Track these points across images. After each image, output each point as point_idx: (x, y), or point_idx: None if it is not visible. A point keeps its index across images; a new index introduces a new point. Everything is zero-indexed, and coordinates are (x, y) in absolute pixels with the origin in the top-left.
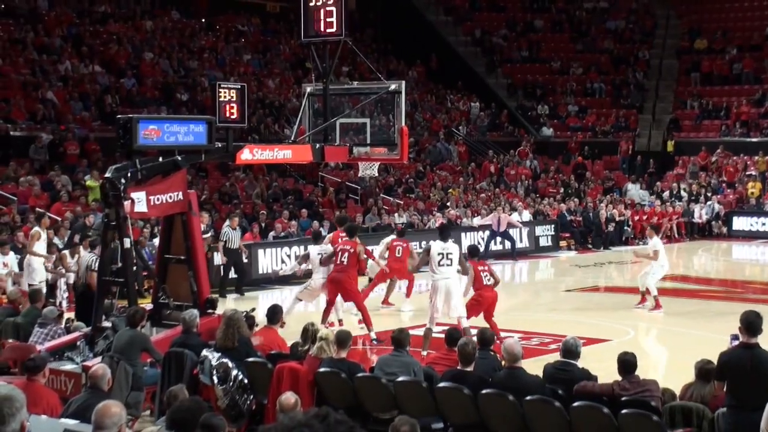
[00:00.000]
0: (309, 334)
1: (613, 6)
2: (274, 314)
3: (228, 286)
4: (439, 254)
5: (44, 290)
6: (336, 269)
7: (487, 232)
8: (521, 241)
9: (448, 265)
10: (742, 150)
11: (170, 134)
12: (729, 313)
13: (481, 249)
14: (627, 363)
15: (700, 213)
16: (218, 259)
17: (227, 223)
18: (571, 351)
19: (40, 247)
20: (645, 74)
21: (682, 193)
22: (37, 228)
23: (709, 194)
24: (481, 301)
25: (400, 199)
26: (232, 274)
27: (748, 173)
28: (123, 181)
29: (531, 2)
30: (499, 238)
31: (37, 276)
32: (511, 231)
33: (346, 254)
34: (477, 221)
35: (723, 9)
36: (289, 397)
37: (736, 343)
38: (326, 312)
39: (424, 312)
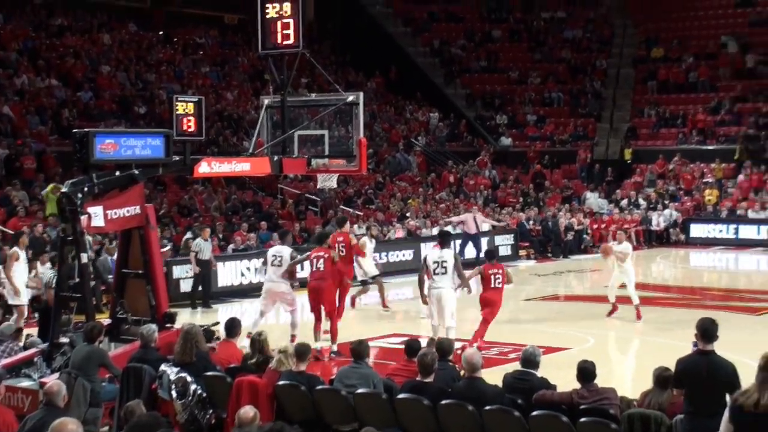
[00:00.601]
0: (257, 345)
1: (571, 16)
2: (232, 327)
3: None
4: (434, 262)
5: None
6: (314, 277)
7: (460, 240)
8: (481, 251)
9: (442, 273)
10: (699, 158)
11: (127, 148)
12: (687, 321)
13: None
14: (586, 371)
15: (658, 221)
16: (190, 270)
17: (188, 234)
18: (530, 360)
19: (20, 267)
20: (602, 83)
21: (640, 201)
22: (15, 248)
23: (666, 202)
24: (486, 303)
25: (359, 210)
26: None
27: (705, 181)
28: (80, 195)
29: (489, 13)
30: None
31: (24, 297)
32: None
33: (321, 261)
34: (454, 219)
35: (679, 18)
36: (247, 411)
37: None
38: (317, 327)
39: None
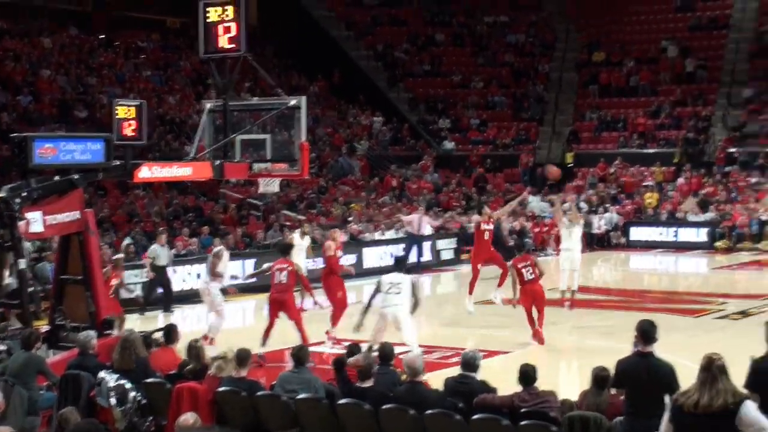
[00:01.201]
0: (194, 351)
1: (513, 20)
2: (170, 333)
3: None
4: (389, 283)
5: None
6: (276, 289)
7: (403, 244)
8: (422, 254)
9: (396, 293)
10: (640, 161)
11: (66, 152)
12: (627, 323)
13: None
14: (526, 375)
15: (599, 224)
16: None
17: (127, 240)
18: (469, 364)
19: None
20: (545, 87)
21: (582, 204)
22: None
23: (608, 205)
24: (527, 297)
25: (302, 214)
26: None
27: (645, 184)
28: (18, 200)
29: (432, 16)
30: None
31: None
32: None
33: (285, 273)
34: (404, 218)
35: (621, 22)
36: (187, 418)
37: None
38: (267, 333)
39: None
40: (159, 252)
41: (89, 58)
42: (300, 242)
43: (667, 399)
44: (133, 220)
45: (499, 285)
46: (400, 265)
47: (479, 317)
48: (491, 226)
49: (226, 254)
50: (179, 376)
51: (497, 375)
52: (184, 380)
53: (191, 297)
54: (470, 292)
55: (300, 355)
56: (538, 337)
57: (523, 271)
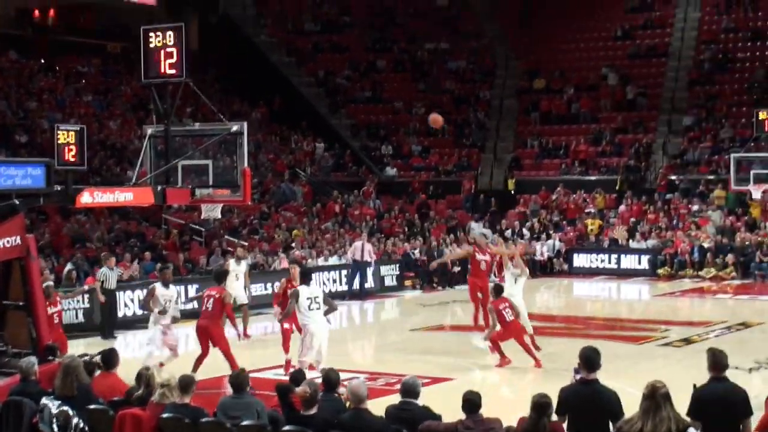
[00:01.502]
0: (143, 379)
1: (454, 46)
2: (110, 358)
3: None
4: (307, 299)
5: None
6: (202, 316)
7: (346, 270)
8: (366, 281)
9: (317, 308)
10: (581, 187)
11: (7, 177)
12: (571, 350)
13: (345, 287)
14: (471, 402)
15: (542, 250)
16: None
17: (69, 266)
18: (410, 391)
19: None
20: (486, 114)
21: (524, 231)
22: None
23: (551, 232)
24: (510, 334)
25: (245, 240)
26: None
27: (587, 210)
28: None
29: (373, 43)
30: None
31: None
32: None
33: (212, 300)
34: (350, 255)
35: (560, 50)
36: None
37: (579, 376)
38: (199, 361)
39: None
40: (108, 275)
41: (29, 82)
42: (236, 268)
43: (611, 427)
44: (75, 246)
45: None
46: (308, 277)
47: (422, 343)
48: (487, 257)
49: (158, 289)
50: (123, 402)
51: (441, 402)
52: (128, 407)
53: (132, 323)
54: (475, 325)
55: (238, 380)
56: (504, 362)
57: (504, 312)
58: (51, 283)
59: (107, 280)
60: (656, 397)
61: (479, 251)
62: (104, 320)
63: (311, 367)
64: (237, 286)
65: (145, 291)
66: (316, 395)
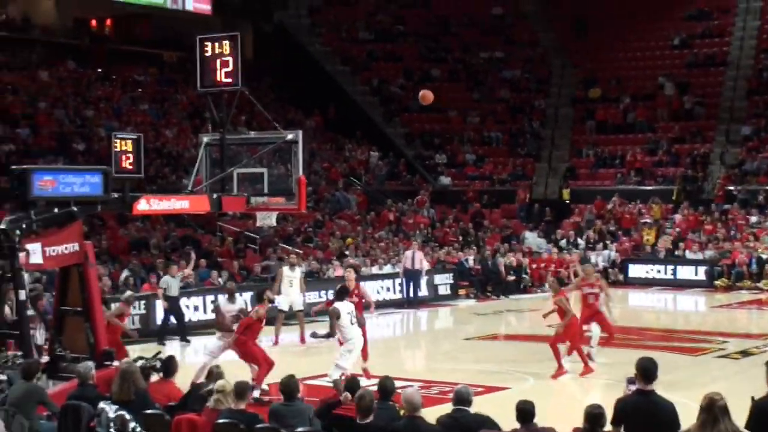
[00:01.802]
0: (213, 376)
1: (509, 55)
2: (169, 366)
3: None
4: (347, 314)
5: None
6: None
7: (400, 279)
8: (420, 289)
9: (355, 323)
10: (637, 197)
11: (65, 185)
12: (626, 360)
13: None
14: (525, 411)
15: (597, 260)
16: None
17: (126, 273)
18: (463, 399)
19: None
20: (541, 123)
21: (579, 240)
22: None
23: (607, 242)
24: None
25: (299, 248)
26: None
27: (643, 221)
28: (18, 232)
29: (428, 52)
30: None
31: None
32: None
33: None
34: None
35: (617, 59)
36: None
37: (633, 387)
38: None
39: None
40: (170, 283)
41: (87, 91)
42: (290, 274)
43: None
44: (131, 252)
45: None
46: (344, 293)
47: (475, 352)
48: (596, 290)
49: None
50: (179, 407)
51: (495, 412)
52: (183, 412)
53: (188, 330)
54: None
55: (289, 387)
56: (560, 373)
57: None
58: (132, 292)
59: (169, 287)
60: (714, 410)
61: (589, 285)
62: (163, 327)
63: (366, 374)
64: (292, 292)
65: (201, 298)
66: (372, 404)
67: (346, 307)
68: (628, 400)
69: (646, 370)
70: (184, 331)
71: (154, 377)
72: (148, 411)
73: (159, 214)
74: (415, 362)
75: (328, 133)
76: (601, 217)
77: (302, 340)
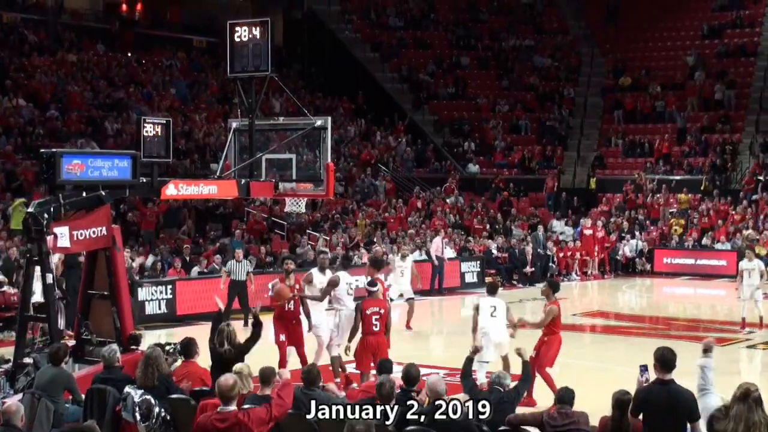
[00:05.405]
0: (224, 334)
1: (539, 43)
2: (189, 347)
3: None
4: (491, 306)
5: None
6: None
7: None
8: (443, 277)
9: (495, 318)
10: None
11: (94, 169)
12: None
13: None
14: (564, 393)
15: (624, 250)
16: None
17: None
18: (499, 383)
19: None
20: (570, 111)
21: (609, 228)
22: None
23: (636, 231)
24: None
25: (326, 234)
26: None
27: (671, 210)
28: (46, 216)
29: (457, 39)
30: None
31: None
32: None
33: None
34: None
35: (647, 48)
36: (227, 378)
37: (646, 374)
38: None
39: None
40: (236, 267)
41: (116, 75)
42: (400, 264)
43: (689, 427)
44: (159, 237)
45: None
46: (494, 290)
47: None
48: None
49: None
50: (205, 392)
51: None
52: (209, 397)
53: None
54: None
55: (311, 375)
56: None
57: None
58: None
59: (232, 272)
60: (749, 401)
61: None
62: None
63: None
64: (402, 281)
65: None
66: (393, 391)
67: (347, 278)
68: (647, 389)
69: (665, 360)
70: (247, 316)
71: (178, 362)
72: (174, 396)
73: (187, 199)
74: (441, 350)
75: (356, 119)
76: (628, 205)
77: (408, 325)
